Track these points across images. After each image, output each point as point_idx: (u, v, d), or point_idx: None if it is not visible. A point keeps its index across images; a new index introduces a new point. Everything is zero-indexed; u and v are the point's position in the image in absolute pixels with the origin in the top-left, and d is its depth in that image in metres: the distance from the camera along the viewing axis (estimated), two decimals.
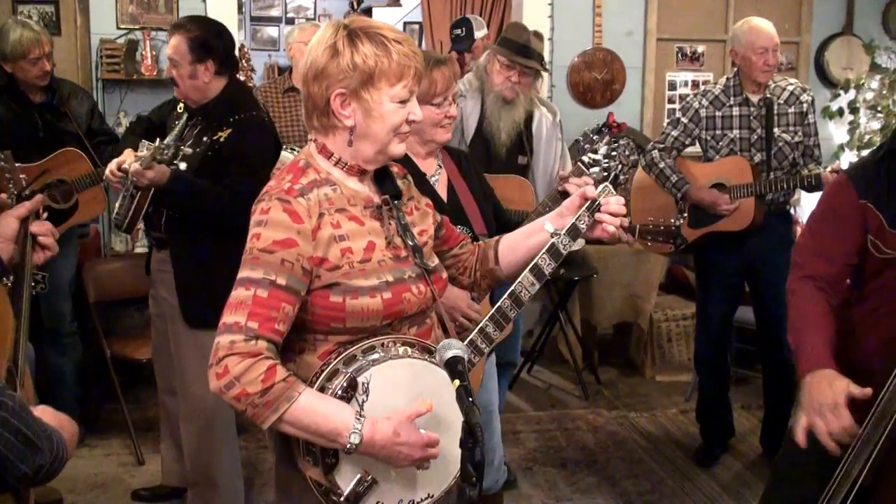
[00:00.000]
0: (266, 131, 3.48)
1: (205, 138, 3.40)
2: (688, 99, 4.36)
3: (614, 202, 2.08)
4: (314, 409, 1.79)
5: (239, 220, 3.27)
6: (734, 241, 4.17)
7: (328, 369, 1.86)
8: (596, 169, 3.28)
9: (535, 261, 2.07)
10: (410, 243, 2.00)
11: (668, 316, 5.65)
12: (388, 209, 1.99)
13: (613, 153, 2.18)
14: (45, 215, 2.56)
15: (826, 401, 2.16)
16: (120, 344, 4.60)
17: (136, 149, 3.51)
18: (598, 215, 2.07)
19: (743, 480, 4.27)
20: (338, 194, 1.94)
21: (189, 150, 3.28)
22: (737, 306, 4.41)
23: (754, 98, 4.16)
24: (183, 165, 3.24)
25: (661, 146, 4.28)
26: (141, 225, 3.64)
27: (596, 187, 2.09)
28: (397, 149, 1.97)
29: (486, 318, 2.08)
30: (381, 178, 2.05)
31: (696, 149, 4.45)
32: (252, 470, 4.26)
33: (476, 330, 2.07)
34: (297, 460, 1.93)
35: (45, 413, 1.77)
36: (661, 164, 4.23)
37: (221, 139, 3.36)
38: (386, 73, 1.87)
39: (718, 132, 4.20)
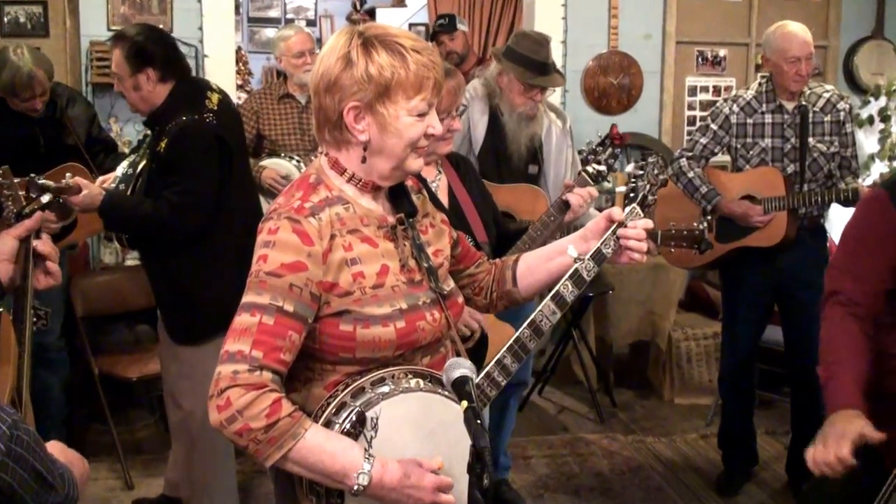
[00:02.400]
0: (201, 135, 3.37)
1: (153, 151, 3.41)
2: (717, 104, 4.35)
3: (642, 226, 2.08)
4: (321, 447, 1.77)
5: (184, 232, 3.34)
6: (764, 257, 4.15)
7: (335, 402, 1.85)
8: (609, 184, 3.33)
9: (556, 288, 2.07)
10: (425, 265, 1.98)
11: (687, 335, 5.64)
12: (402, 229, 1.98)
13: (641, 171, 2.19)
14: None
15: (836, 431, 2.19)
16: (108, 361, 4.62)
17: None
18: (623, 241, 2.08)
19: None
20: (350, 213, 1.92)
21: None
22: (765, 326, 4.40)
23: (788, 105, 4.14)
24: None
25: (690, 154, 4.27)
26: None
27: (623, 209, 2.09)
28: (415, 164, 1.95)
29: (504, 348, 2.06)
30: (396, 195, 2.03)
31: (723, 158, 4.44)
32: (247, 495, 4.25)
33: (493, 361, 2.06)
34: (299, 500, 1.91)
35: (54, 449, 1.74)
36: (690, 174, 4.22)
37: (161, 150, 3.35)
38: (403, 85, 1.85)
39: (749, 140, 4.19)
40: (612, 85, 6.13)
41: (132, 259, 5.33)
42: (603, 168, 3.23)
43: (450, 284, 2.07)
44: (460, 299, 2.09)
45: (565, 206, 3.27)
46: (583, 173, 3.25)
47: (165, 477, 4.05)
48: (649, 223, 2.10)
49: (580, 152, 3.31)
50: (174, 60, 3.45)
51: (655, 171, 2.20)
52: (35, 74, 4.03)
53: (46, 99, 4.18)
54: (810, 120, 4.12)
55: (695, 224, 3.16)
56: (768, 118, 4.17)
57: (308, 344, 1.87)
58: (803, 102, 4.13)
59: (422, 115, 1.89)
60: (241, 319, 1.81)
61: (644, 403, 5.68)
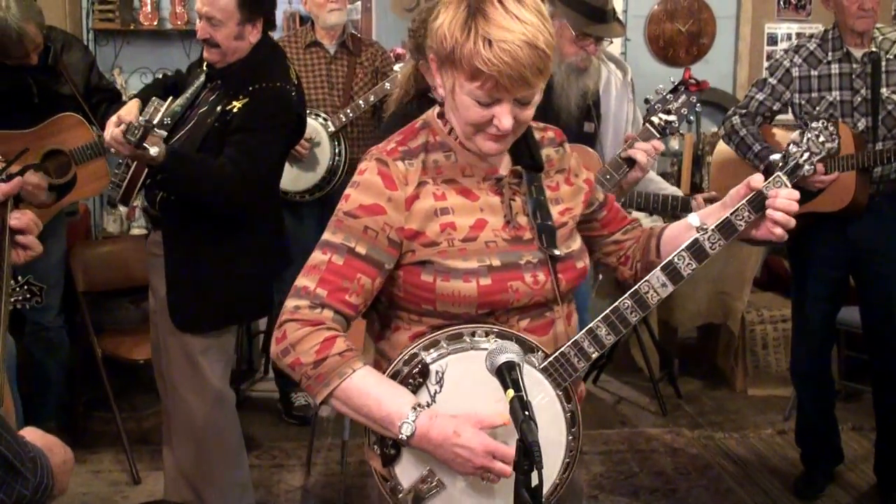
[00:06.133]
0: (287, 106, 3.45)
1: (218, 107, 3.40)
2: (777, 56, 4.30)
3: (785, 196, 2.04)
4: (367, 390, 1.88)
5: (242, 198, 3.35)
6: (834, 225, 4.09)
7: (407, 352, 1.96)
8: (677, 142, 3.23)
9: (671, 257, 2.05)
10: (538, 222, 2.02)
11: (763, 317, 5.60)
12: (515, 182, 2.04)
13: (807, 137, 2.13)
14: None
15: None
16: (113, 341, 4.66)
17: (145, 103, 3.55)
18: (768, 212, 2.04)
19: None
20: (450, 162, 2.01)
21: (163, 133, 3.25)
22: (840, 305, 4.35)
23: (857, 52, 4.08)
24: (154, 150, 3.18)
25: (744, 112, 4.23)
26: (139, 200, 3.67)
27: (766, 176, 2.06)
28: (484, 146, 1.96)
29: (600, 317, 2.05)
30: (518, 146, 2.06)
31: (788, 116, 4.38)
32: (265, 492, 4.30)
33: (585, 329, 2.04)
34: (364, 448, 2.01)
35: (32, 435, 1.75)
36: (743, 132, 4.17)
37: (235, 109, 3.34)
38: (459, 63, 1.86)
39: (815, 95, 4.13)
40: (680, 32, 6.07)
41: (138, 227, 5.37)
42: (672, 118, 3.14)
43: (570, 246, 2.09)
44: (580, 264, 2.10)
45: (626, 163, 3.20)
46: (647, 125, 3.18)
47: (166, 480, 3.92)
48: (795, 193, 2.05)
49: (646, 101, 3.23)
50: (274, 13, 3.49)
51: (821, 139, 2.14)
52: (24, 32, 3.99)
53: (41, 50, 4.19)
54: (883, 68, 4.04)
55: None
56: (835, 68, 4.10)
57: (394, 292, 2.01)
58: (874, 48, 4.07)
59: (483, 104, 1.89)
60: (314, 256, 1.97)
61: (713, 394, 5.65)
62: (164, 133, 3.29)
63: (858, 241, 4.10)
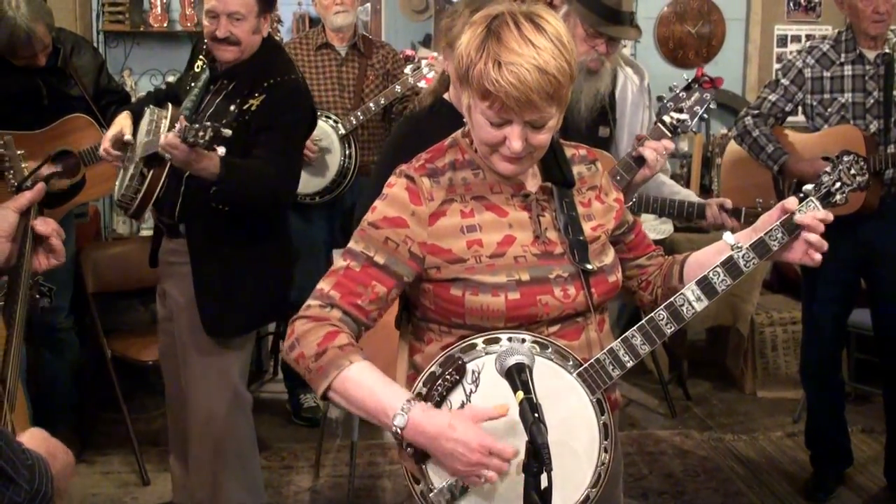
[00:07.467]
0: (304, 98, 3.49)
1: (232, 107, 3.37)
2: (790, 57, 4.30)
3: (820, 217, 2.06)
4: (361, 381, 1.90)
5: (285, 199, 3.38)
6: (844, 227, 4.05)
7: (444, 355, 1.98)
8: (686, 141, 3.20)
9: (706, 272, 2.08)
10: (570, 238, 2.04)
11: (773, 319, 5.59)
12: (543, 199, 2.07)
13: (839, 167, 2.17)
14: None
15: None
16: (122, 343, 4.66)
17: (139, 116, 3.54)
18: (805, 234, 2.06)
19: None
20: (479, 180, 2.05)
21: (229, 132, 3.09)
22: (850, 307, 4.35)
23: (870, 54, 4.08)
24: (221, 150, 3.08)
25: (756, 112, 4.23)
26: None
27: (799, 200, 2.09)
28: (499, 166, 2.00)
29: (635, 327, 2.07)
30: (547, 163, 2.09)
31: (799, 118, 4.38)
32: (275, 494, 4.30)
33: (620, 339, 2.07)
34: (397, 452, 2.01)
35: (34, 437, 1.74)
36: (755, 133, 4.18)
37: (253, 108, 3.33)
38: (472, 82, 1.91)
39: (827, 96, 4.13)
40: (690, 34, 6.06)
41: (147, 229, 5.38)
42: (684, 117, 3.11)
43: (603, 260, 2.11)
44: (612, 278, 2.12)
45: (636, 163, 3.18)
46: (658, 124, 3.16)
47: (173, 485, 3.99)
48: (829, 216, 2.08)
49: (659, 98, 3.21)
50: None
51: (852, 171, 2.18)
52: (33, 32, 3.98)
53: (49, 52, 4.20)
54: None
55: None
56: (848, 70, 4.10)
57: (426, 305, 2.06)
58: (887, 50, 4.06)
59: (495, 124, 1.93)
60: (336, 262, 2.05)
61: (722, 396, 5.65)
62: (229, 132, 3.09)
63: (869, 243, 4.10)
